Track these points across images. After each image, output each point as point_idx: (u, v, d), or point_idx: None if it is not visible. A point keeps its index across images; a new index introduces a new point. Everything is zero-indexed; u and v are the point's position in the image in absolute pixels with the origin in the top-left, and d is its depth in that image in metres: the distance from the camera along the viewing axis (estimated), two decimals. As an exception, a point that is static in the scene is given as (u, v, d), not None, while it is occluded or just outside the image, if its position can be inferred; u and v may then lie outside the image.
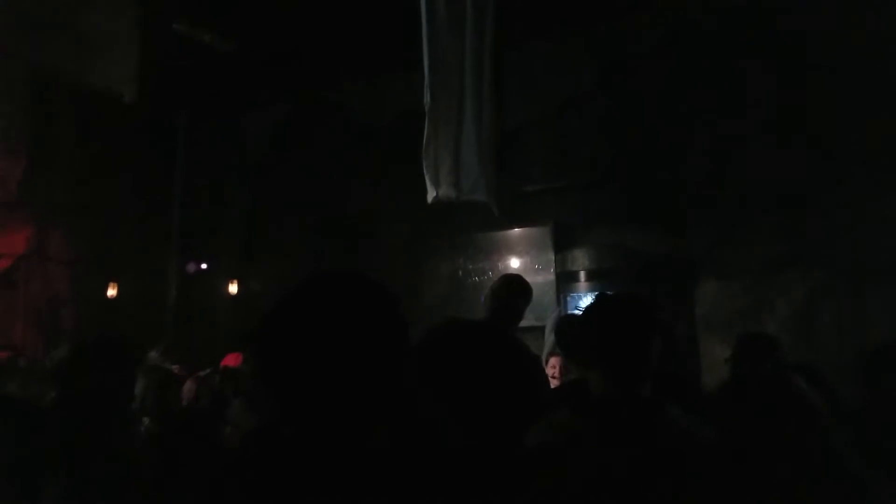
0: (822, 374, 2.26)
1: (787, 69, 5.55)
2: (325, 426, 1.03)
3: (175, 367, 4.05)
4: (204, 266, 7.52)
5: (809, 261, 5.50)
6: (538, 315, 6.47)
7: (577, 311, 3.62)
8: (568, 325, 3.14)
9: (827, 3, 5.35)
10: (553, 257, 6.47)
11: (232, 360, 4.02)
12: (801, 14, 5.44)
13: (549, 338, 6.15)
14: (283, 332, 1.05)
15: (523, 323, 7.00)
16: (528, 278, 6.75)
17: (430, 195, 4.70)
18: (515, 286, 2.91)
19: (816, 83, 5.43)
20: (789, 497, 1.43)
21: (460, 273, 6.89)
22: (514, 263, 6.75)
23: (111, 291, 6.88)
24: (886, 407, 2.25)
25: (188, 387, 3.33)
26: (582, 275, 5.93)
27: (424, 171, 4.67)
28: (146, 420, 3.25)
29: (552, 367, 3.56)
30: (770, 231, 5.66)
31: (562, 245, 6.45)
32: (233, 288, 7.66)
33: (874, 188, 5.20)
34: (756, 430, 1.48)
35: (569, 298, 5.94)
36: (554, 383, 3.34)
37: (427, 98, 4.67)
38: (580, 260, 5.99)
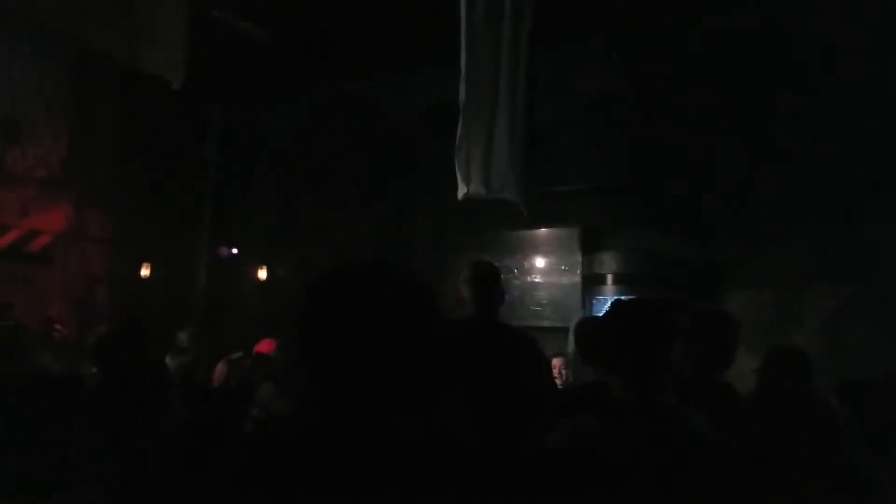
0: (863, 393, 2.24)
1: (822, 77, 5.47)
2: (359, 413, 1.06)
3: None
4: (235, 251, 7.64)
5: (839, 273, 5.42)
6: (563, 316, 6.51)
7: (595, 315, 3.59)
8: (586, 328, 3.14)
9: (855, 14, 5.26)
10: (580, 259, 6.46)
11: (265, 346, 4.09)
12: (833, 24, 5.37)
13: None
14: (324, 318, 1.08)
15: (545, 323, 7.05)
16: (554, 279, 6.90)
17: (461, 192, 4.73)
18: (494, 271, 2.91)
19: (852, 93, 5.34)
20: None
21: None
22: (540, 263, 6.76)
23: (144, 272, 7.04)
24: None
25: (220, 369, 3.41)
26: (608, 278, 5.91)
27: (456, 168, 4.70)
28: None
29: (553, 367, 3.60)
30: (800, 242, 5.60)
31: (589, 247, 6.43)
32: (262, 274, 7.78)
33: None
34: (780, 443, 1.50)
35: (594, 301, 5.93)
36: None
37: (462, 95, 4.69)
38: (607, 263, 5.97)
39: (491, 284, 2.79)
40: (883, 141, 5.19)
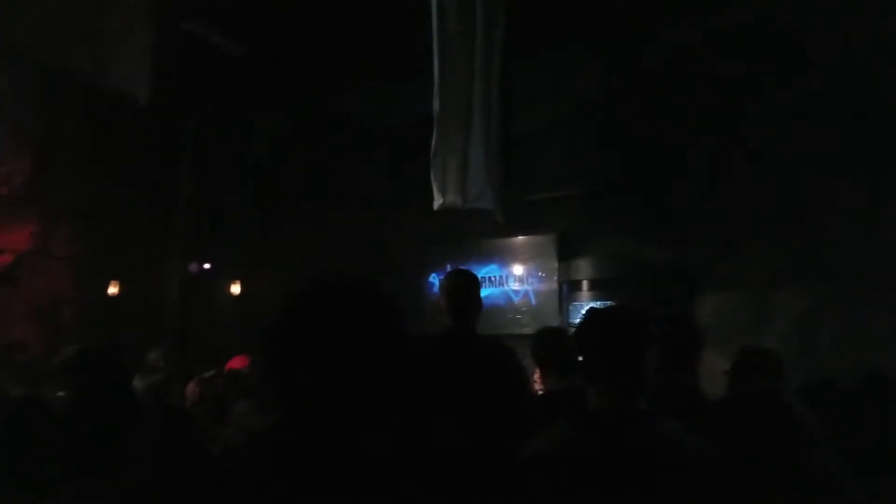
0: (835, 392, 2.27)
1: (792, 84, 5.58)
2: (326, 430, 1.06)
3: None
4: (207, 266, 7.53)
5: (810, 275, 5.51)
6: (542, 323, 6.52)
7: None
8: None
9: (822, 18, 5.38)
10: (557, 266, 6.50)
11: (237, 362, 4.02)
12: (809, 28, 5.48)
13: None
14: (290, 337, 1.08)
15: (525, 330, 7.07)
16: (532, 287, 6.89)
17: (437, 202, 4.72)
18: (471, 280, 2.79)
19: (822, 97, 5.46)
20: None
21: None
22: (518, 271, 6.78)
23: (113, 290, 6.89)
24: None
25: (192, 388, 3.34)
26: (585, 284, 5.95)
27: (432, 178, 4.69)
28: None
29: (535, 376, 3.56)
30: (771, 245, 5.69)
31: (565, 254, 6.48)
32: (235, 289, 7.68)
33: (876, 204, 5.23)
34: (749, 445, 1.50)
35: (571, 307, 5.95)
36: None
37: (436, 105, 4.69)
38: (583, 269, 6.01)
39: (467, 294, 2.69)
40: (851, 144, 5.31)
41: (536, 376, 3.11)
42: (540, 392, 3.01)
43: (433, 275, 6.95)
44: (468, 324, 2.65)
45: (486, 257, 6.91)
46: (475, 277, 2.81)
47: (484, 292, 6.88)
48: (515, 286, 6.79)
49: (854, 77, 5.30)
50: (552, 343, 3.03)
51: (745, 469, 1.51)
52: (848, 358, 5.07)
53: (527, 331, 6.62)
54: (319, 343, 1.06)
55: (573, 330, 1.79)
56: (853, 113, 5.29)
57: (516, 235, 6.70)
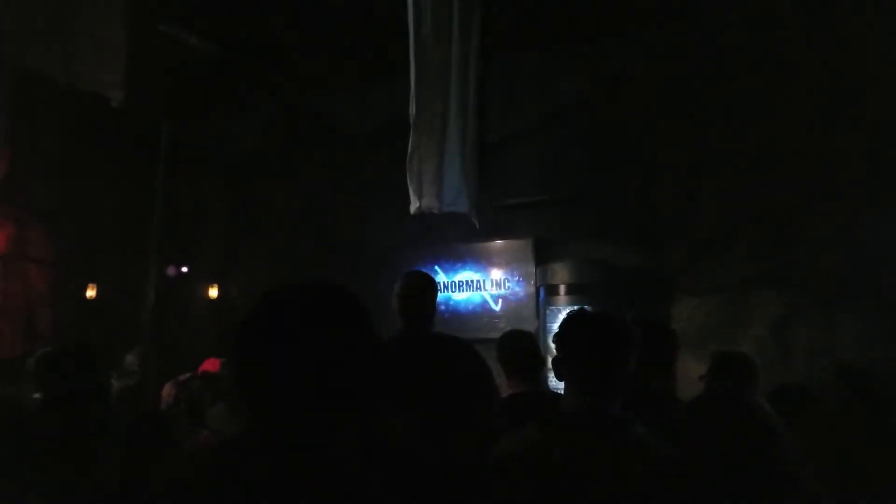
0: (813, 394, 2.31)
1: (763, 92, 5.69)
2: (294, 431, 1.07)
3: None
4: (184, 269, 7.48)
5: (783, 281, 5.61)
6: (517, 327, 6.56)
7: (515, 329, 3.55)
8: (508, 341, 3.15)
9: (792, 31, 5.50)
10: (533, 270, 6.54)
11: (211, 364, 4.01)
12: (770, 39, 5.59)
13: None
14: (256, 340, 1.09)
15: (499, 334, 7.04)
16: (508, 291, 6.93)
17: (413, 206, 4.75)
18: (423, 284, 2.71)
19: (794, 104, 5.57)
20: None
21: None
22: (495, 275, 6.82)
23: (90, 293, 6.82)
24: None
25: (167, 390, 3.32)
26: (561, 288, 5.99)
27: (408, 182, 4.72)
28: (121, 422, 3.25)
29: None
30: (745, 251, 5.78)
31: (542, 258, 6.52)
32: (213, 292, 7.63)
33: (847, 212, 5.35)
34: (717, 447, 1.53)
35: (548, 311, 6.00)
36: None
37: (412, 109, 4.72)
38: (560, 274, 6.05)
39: (419, 297, 2.63)
40: (820, 152, 5.42)
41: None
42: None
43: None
44: (422, 326, 2.62)
45: (464, 261, 6.94)
46: (430, 280, 2.75)
47: (461, 296, 6.99)
48: (493, 290, 6.83)
49: (826, 84, 5.42)
50: (516, 346, 3.05)
51: (712, 474, 1.53)
52: (820, 361, 5.17)
53: (499, 334, 6.66)
54: (287, 345, 1.06)
55: (554, 332, 1.80)
56: (825, 121, 5.41)
57: (493, 240, 6.74)
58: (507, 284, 6.77)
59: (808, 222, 5.53)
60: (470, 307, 6.88)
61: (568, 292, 5.92)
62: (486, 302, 6.85)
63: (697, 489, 1.50)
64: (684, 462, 1.56)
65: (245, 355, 1.09)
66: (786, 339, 5.57)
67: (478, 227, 4.81)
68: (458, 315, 6.82)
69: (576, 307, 1.91)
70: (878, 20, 5.14)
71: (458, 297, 6.91)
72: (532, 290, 6.56)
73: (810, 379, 4.22)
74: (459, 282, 6.93)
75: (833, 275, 5.37)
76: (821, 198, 5.47)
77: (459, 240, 6.64)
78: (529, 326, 6.32)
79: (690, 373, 4.01)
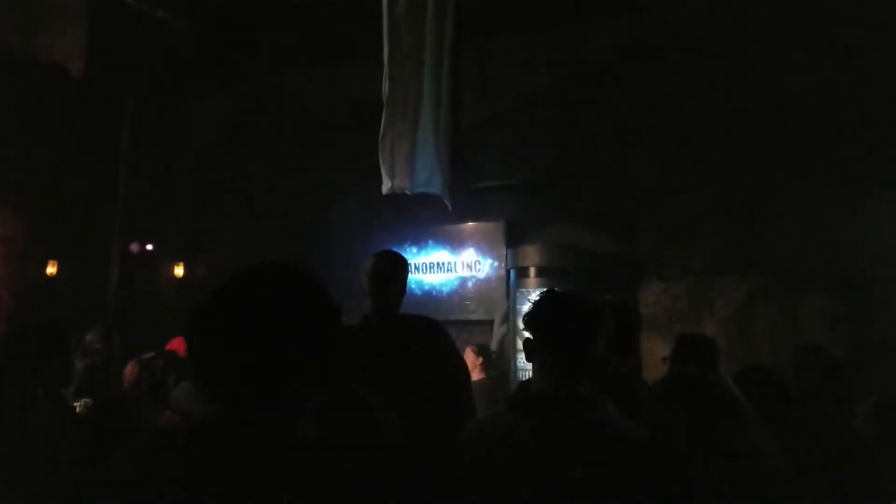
0: (777, 375, 2.35)
1: (734, 81, 5.75)
2: (252, 414, 1.04)
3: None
4: (149, 248, 7.32)
5: (748, 266, 5.73)
6: (489, 309, 6.60)
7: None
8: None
9: (775, 15, 5.55)
10: (504, 253, 6.56)
11: (176, 344, 3.94)
12: (753, 25, 5.64)
13: (499, 331, 6.27)
14: (213, 323, 1.06)
15: (472, 316, 7.09)
16: (479, 273, 6.94)
17: (385, 186, 4.70)
18: (392, 262, 2.63)
19: (760, 97, 5.64)
20: (715, 493, 1.50)
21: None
22: (466, 257, 6.83)
23: (50, 270, 6.64)
24: None
25: (130, 369, 3.25)
26: (532, 271, 6.02)
27: (380, 162, 4.66)
28: (84, 401, 3.18)
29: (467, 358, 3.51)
30: (713, 237, 5.88)
31: (513, 241, 6.54)
32: (179, 271, 7.49)
33: (808, 200, 5.46)
34: (684, 427, 1.54)
35: (518, 293, 6.02)
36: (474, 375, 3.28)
37: (385, 88, 4.65)
38: (530, 256, 6.08)
39: (387, 276, 2.56)
40: (791, 142, 5.51)
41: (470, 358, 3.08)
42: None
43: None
44: (389, 306, 2.57)
45: (435, 243, 6.93)
46: (401, 259, 2.67)
47: (432, 278, 6.98)
48: (463, 272, 6.83)
49: (795, 75, 5.49)
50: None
51: (680, 453, 1.54)
52: (783, 344, 5.30)
53: (475, 317, 6.68)
54: (241, 326, 1.04)
55: (524, 313, 1.79)
56: (794, 111, 5.49)
57: (465, 222, 6.73)
58: (478, 266, 6.78)
59: (774, 210, 5.64)
60: (440, 289, 6.88)
61: (538, 275, 5.95)
62: (456, 284, 6.85)
63: (667, 468, 1.51)
64: (654, 442, 1.57)
65: (200, 339, 1.06)
66: (750, 323, 5.69)
67: (450, 208, 4.78)
68: (428, 297, 6.81)
69: (544, 290, 1.90)
70: (847, 7, 5.21)
71: (429, 278, 6.90)
72: (503, 272, 6.58)
73: (774, 361, 4.31)
74: (430, 263, 6.91)
75: (797, 261, 5.49)
76: (786, 187, 5.59)
77: (430, 221, 6.61)
78: (500, 309, 6.35)
79: (657, 355, 4.08)
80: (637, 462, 1.53)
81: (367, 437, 1.27)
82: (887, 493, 2.14)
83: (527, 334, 1.77)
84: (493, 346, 6.02)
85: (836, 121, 5.36)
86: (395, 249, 2.86)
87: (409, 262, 2.76)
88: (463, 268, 6.84)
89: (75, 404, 3.12)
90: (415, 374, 2.32)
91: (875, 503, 2.13)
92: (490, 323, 6.40)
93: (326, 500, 0.99)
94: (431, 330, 2.57)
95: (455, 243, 6.88)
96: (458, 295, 6.83)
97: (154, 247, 7.35)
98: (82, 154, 6.86)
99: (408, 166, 4.69)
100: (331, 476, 1.03)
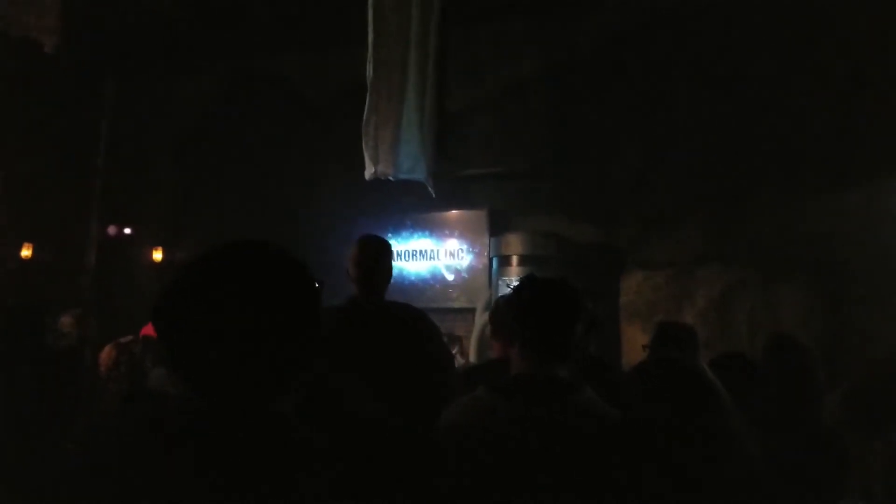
0: (750, 362, 2.38)
1: (716, 75, 5.77)
2: (223, 396, 1.01)
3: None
4: (127, 231, 7.22)
5: (728, 256, 5.78)
6: (472, 297, 6.60)
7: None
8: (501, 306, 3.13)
9: (758, 16, 5.58)
10: (487, 241, 6.56)
11: (152, 329, 3.88)
12: (733, 24, 5.66)
13: (481, 319, 6.28)
14: (181, 303, 1.02)
15: (454, 304, 7.08)
16: (462, 261, 6.94)
17: (368, 172, 4.65)
18: (378, 248, 2.61)
19: (748, 85, 5.67)
20: (690, 476, 1.51)
21: (395, 253, 6.90)
22: (449, 245, 6.81)
23: (26, 252, 6.53)
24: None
25: (107, 352, 3.20)
26: (515, 259, 6.03)
27: (364, 147, 4.62)
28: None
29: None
30: (694, 228, 5.92)
31: (496, 229, 6.54)
32: (157, 255, 7.40)
33: (787, 193, 5.52)
34: (660, 411, 1.55)
35: (501, 282, 6.03)
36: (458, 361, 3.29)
37: (369, 72, 4.60)
38: (513, 245, 6.09)
39: (374, 262, 2.55)
40: (766, 136, 5.55)
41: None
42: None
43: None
44: (375, 292, 2.56)
45: (418, 230, 6.91)
46: (386, 244, 2.65)
47: (415, 266, 6.96)
48: (446, 260, 6.82)
49: (780, 66, 5.52)
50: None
51: (655, 436, 1.55)
52: (760, 333, 5.36)
53: (457, 305, 6.68)
54: (212, 306, 1.00)
55: (506, 295, 1.79)
56: (778, 103, 5.52)
57: (449, 210, 6.71)
58: (460, 254, 6.78)
59: (754, 202, 5.69)
60: (423, 277, 6.86)
61: (521, 263, 5.96)
62: (439, 272, 6.84)
63: (644, 451, 1.52)
64: (631, 425, 1.58)
65: (169, 319, 1.02)
66: (730, 313, 5.75)
67: (434, 196, 4.76)
68: (410, 284, 6.79)
69: (526, 274, 1.90)
70: None
71: (412, 266, 6.88)
72: (486, 260, 6.58)
73: (752, 350, 4.36)
74: (413, 251, 6.89)
75: (775, 252, 5.55)
76: (766, 178, 5.63)
77: (414, 209, 6.59)
78: (482, 297, 6.36)
79: (638, 343, 4.11)
80: (615, 442, 1.54)
81: (345, 419, 1.26)
82: (854, 479, 2.17)
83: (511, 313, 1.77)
84: (475, 334, 6.03)
85: (815, 112, 5.40)
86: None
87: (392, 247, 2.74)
88: (446, 256, 6.83)
89: None
90: (399, 360, 2.31)
91: (842, 489, 2.17)
92: (472, 311, 6.40)
93: (305, 479, 0.97)
94: (415, 317, 2.57)
95: (438, 231, 6.86)
96: (441, 283, 6.82)
97: (133, 230, 7.25)
98: (59, 133, 6.73)
99: (391, 152, 4.66)
100: (308, 462, 1.01)
